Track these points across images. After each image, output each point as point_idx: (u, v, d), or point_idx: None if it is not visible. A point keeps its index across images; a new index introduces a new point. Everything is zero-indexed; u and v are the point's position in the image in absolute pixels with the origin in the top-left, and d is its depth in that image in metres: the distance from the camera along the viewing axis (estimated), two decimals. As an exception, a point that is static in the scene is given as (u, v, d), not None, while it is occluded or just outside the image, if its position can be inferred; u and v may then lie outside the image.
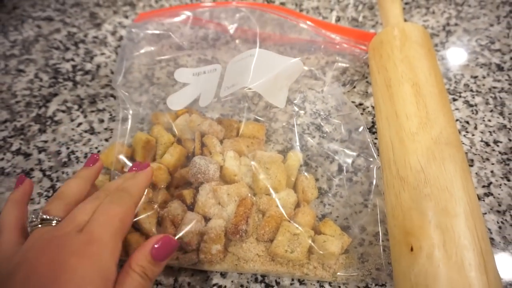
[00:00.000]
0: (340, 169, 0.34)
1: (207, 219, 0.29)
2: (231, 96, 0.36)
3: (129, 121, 0.36)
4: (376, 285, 0.28)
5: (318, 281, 0.29)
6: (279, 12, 0.44)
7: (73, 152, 0.37)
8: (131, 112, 0.38)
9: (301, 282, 0.29)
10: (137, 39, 0.43)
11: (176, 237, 0.27)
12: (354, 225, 0.31)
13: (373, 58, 0.39)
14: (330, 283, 0.29)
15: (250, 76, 0.34)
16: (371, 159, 0.34)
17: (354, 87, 0.42)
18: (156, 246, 0.23)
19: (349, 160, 0.35)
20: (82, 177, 0.26)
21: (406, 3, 0.51)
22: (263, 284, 0.28)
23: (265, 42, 0.43)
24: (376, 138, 0.36)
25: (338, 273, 0.28)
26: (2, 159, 0.37)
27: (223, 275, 0.29)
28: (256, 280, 0.29)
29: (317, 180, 0.34)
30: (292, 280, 0.29)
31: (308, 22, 0.43)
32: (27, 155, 0.37)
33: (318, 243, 0.28)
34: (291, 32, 0.44)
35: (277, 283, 0.29)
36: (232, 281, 0.29)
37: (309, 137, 0.37)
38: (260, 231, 0.29)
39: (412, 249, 0.26)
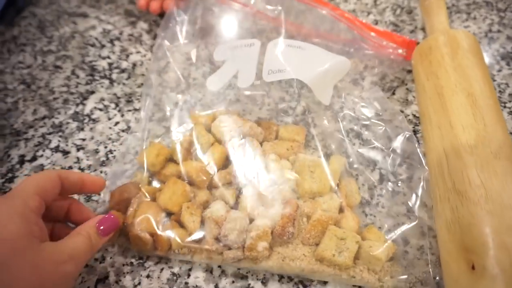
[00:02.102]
0: (381, 178, 0.34)
1: (250, 220, 0.29)
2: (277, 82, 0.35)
3: (170, 120, 0.36)
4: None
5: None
6: (318, 4, 0.42)
7: (111, 151, 0.37)
8: (168, 109, 0.38)
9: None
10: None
11: (221, 235, 0.28)
12: (397, 237, 0.30)
13: (420, 64, 0.38)
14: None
15: (300, 68, 0.34)
16: (417, 168, 0.33)
17: (394, 93, 0.41)
18: (101, 223, 0.27)
19: (391, 169, 0.34)
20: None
21: (447, 8, 0.49)
22: (305, 294, 0.28)
23: (306, 37, 0.42)
24: (419, 142, 0.35)
25: (386, 278, 0.28)
26: (42, 155, 0.37)
27: (264, 282, 0.29)
28: (298, 290, 0.28)
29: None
30: (335, 291, 0.28)
31: (346, 15, 0.42)
32: (65, 153, 0.37)
33: (364, 248, 0.28)
34: (330, 28, 0.42)
35: (320, 294, 0.28)
36: (274, 290, 0.28)
37: (349, 144, 0.36)
38: (305, 234, 0.29)
39: (473, 268, 0.25)
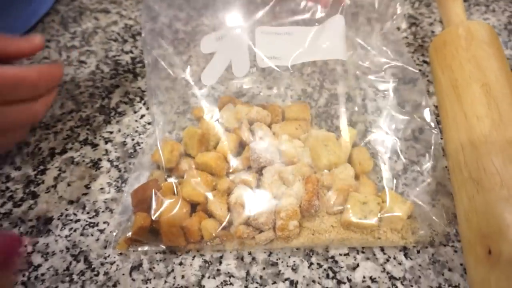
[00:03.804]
0: (405, 168, 0.34)
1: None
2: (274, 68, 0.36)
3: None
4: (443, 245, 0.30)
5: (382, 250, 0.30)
6: None
7: (138, 143, 0.38)
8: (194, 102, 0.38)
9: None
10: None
11: (251, 219, 0.29)
12: (423, 224, 0.31)
13: (435, 59, 0.39)
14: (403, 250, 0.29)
15: (295, 53, 0.36)
16: (438, 159, 0.33)
17: (415, 85, 0.41)
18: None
19: (415, 159, 0.34)
20: None
21: (465, 0, 0.49)
22: (334, 281, 0.29)
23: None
24: (441, 138, 0.36)
25: (407, 234, 0.30)
26: (71, 148, 0.38)
27: (294, 269, 0.29)
28: (327, 276, 0.29)
29: (382, 178, 0.34)
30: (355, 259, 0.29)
31: None
32: (94, 145, 0.38)
33: (385, 209, 0.30)
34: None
35: (349, 280, 0.29)
36: (304, 276, 0.29)
37: (371, 134, 0.36)
38: (329, 203, 0.31)
39: (490, 252, 0.26)
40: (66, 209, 0.33)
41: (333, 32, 0.37)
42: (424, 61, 0.43)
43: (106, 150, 0.38)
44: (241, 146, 0.34)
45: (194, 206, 0.31)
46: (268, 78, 0.41)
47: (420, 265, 0.29)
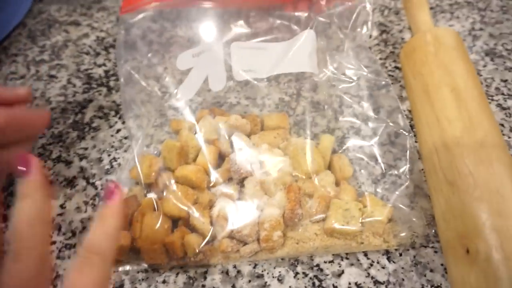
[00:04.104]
0: (384, 172, 0.35)
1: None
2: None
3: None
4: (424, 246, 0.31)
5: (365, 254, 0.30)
6: None
7: (115, 159, 0.37)
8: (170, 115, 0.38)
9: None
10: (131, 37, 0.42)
11: (235, 231, 0.29)
12: (403, 227, 0.31)
13: (406, 65, 0.40)
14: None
15: (269, 66, 0.37)
16: (414, 162, 0.34)
17: (388, 91, 0.43)
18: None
19: (392, 163, 0.35)
20: (30, 196, 0.22)
21: (431, 8, 0.51)
22: (320, 289, 0.29)
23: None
24: (416, 141, 0.37)
25: (389, 237, 0.30)
26: (44, 166, 0.36)
27: (280, 280, 0.29)
28: (313, 285, 0.29)
29: (362, 183, 0.34)
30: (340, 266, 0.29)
31: None
32: (68, 163, 0.37)
33: (366, 214, 0.30)
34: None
35: (335, 287, 0.29)
36: (290, 286, 0.29)
37: (349, 140, 0.37)
38: (312, 211, 0.31)
39: (468, 251, 0.26)
40: (40, 232, 0.32)
41: (304, 46, 0.38)
42: (396, 67, 0.45)
43: (81, 167, 0.36)
44: (221, 158, 0.34)
45: (175, 222, 0.31)
46: (245, 88, 0.41)
47: (403, 267, 0.30)
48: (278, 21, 0.43)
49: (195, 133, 0.35)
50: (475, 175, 0.28)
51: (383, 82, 0.39)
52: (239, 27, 0.43)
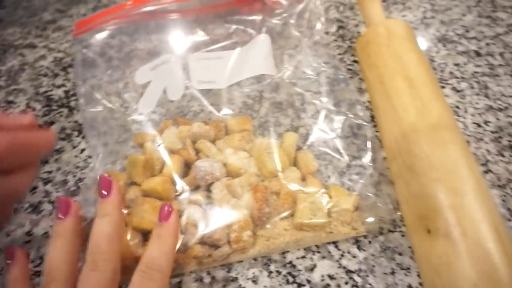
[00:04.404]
0: (349, 164, 0.36)
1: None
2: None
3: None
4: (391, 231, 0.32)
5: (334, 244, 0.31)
6: None
7: (80, 179, 0.36)
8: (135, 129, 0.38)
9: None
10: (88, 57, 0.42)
11: (205, 236, 0.29)
12: (370, 214, 0.32)
13: (362, 58, 0.41)
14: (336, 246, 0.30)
15: (227, 74, 0.38)
16: (377, 151, 0.35)
17: (348, 84, 0.44)
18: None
19: (356, 154, 0.36)
20: (63, 236, 0.24)
21: (384, 1, 0.53)
22: (295, 285, 0.29)
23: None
24: (377, 131, 0.38)
25: (357, 225, 0.31)
26: (7, 194, 0.35)
27: (254, 281, 0.29)
28: (287, 282, 0.29)
29: (329, 177, 0.35)
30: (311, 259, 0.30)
31: None
32: (32, 188, 0.36)
33: (333, 205, 0.31)
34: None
35: (308, 281, 0.29)
36: (264, 286, 0.29)
37: (312, 136, 0.38)
38: (280, 208, 0.31)
39: (429, 232, 0.27)
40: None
41: (260, 49, 0.39)
42: (355, 61, 0.46)
43: (46, 192, 0.36)
44: (187, 166, 0.34)
45: (145, 235, 0.31)
46: (208, 95, 0.41)
47: (372, 254, 0.30)
48: (234, 26, 0.44)
49: (159, 144, 0.35)
50: (431, 157, 0.29)
51: (342, 76, 0.40)
52: (197, 36, 0.44)
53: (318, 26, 0.43)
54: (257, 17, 0.43)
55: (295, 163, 0.35)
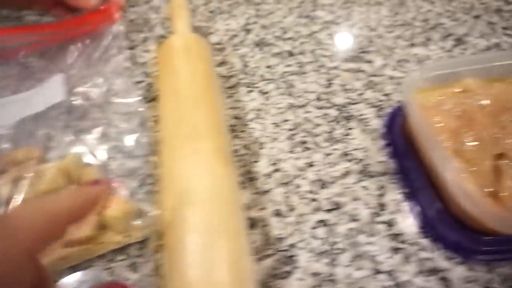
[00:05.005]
0: (143, 184, 0.36)
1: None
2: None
3: None
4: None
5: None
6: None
7: None
8: None
9: None
10: None
11: None
12: (143, 220, 0.32)
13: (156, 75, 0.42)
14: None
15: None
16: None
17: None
18: None
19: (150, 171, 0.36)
20: None
21: (211, 11, 0.54)
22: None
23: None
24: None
25: (131, 232, 0.31)
26: None
27: None
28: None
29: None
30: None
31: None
32: None
33: (105, 214, 0.31)
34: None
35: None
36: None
37: (112, 160, 0.37)
38: None
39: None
40: None
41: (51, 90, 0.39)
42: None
43: None
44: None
45: None
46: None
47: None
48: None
49: None
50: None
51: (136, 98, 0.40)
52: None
53: (114, 51, 0.43)
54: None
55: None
